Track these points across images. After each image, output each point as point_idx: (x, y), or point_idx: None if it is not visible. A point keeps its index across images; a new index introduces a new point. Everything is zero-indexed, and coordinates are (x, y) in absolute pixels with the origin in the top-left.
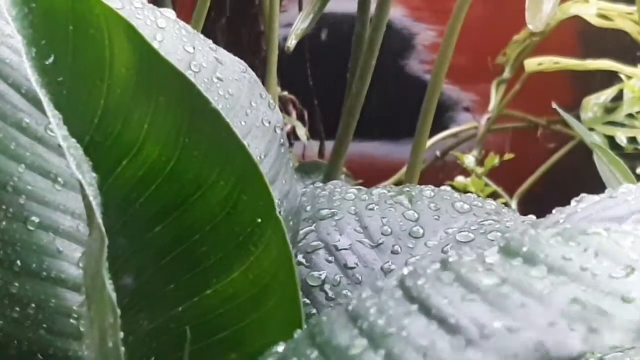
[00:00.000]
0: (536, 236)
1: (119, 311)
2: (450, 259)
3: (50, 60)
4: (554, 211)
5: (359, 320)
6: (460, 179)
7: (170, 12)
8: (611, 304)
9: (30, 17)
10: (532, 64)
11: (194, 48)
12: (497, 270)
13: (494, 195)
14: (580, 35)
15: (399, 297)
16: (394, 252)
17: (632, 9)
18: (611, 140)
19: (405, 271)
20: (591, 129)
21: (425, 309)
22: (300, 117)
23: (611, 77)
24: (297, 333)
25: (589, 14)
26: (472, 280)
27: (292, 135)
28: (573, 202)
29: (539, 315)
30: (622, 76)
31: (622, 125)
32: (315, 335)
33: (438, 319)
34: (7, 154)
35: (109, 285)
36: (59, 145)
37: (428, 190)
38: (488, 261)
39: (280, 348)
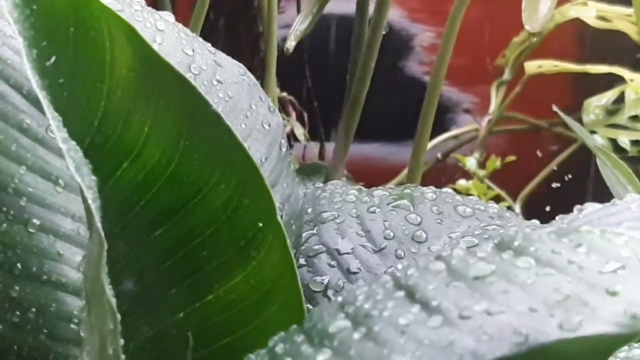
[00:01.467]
0: (530, 233)
1: (119, 317)
2: (444, 253)
3: (51, 61)
4: (557, 218)
5: (347, 306)
6: (462, 182)
7: (169, 15)
8: (595, 296)
9: (32, 19)
10: (533, 66)
11: (193, 51)
12: (486, 262)
13: (497, 199)
14: (579, 37)
15: (389, 287)
16: (397, 257)
17: (630, 10)
18: (614, 143)
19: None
20: (593, 132)
21: (410, 294)
22: (299, 119)
23: (612, 79)
24: (292, 326)
25: (588, 16)
26: (460, 269)
27: (291, 137)
28: (575, 211)
29: (520, 301)
30: (626, 77)
31: (624, 127)
32: (305, 322)
33: (421, 302)
34: (8, 156)
35: (109, 290)
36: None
37: (430, 192)
38: (479, 255)
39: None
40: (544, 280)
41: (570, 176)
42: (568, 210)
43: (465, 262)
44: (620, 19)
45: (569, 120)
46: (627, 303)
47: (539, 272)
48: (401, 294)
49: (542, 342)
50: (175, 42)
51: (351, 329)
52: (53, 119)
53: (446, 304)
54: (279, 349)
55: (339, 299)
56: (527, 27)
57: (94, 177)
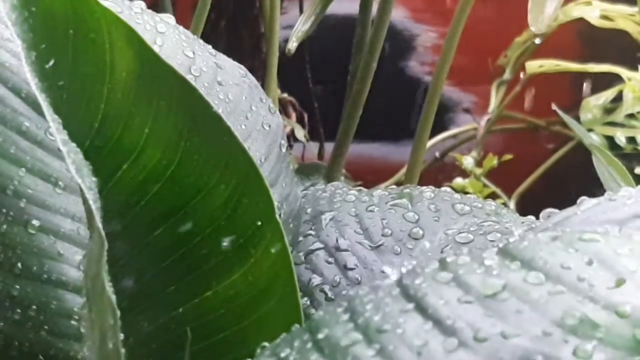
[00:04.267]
0: (535, 240)
1: (119, 313)
2: (449, 259)
3: (51, 64)
4: (545, 211)
5: (355, 315)
6: (458, 181)
7: (169, 17)
8: (606, 319)
9: (30, 21)
10: (534, 66)
11: (193, 53)
12: (494, 274)
13: (492, 196)
14: (580, 37)
15: (396, 295)
16: (394, 253)
17: (633, 10)
18: (610, 141)
19: (404, 270)
20: (590, 130)
21: (422, 309)
22: (300, 119)
23: (611, 79)
24: (295, 327)
25: (592, 16)
26: (469, 281)
27: (291, 137)
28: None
29: (533, 324)
30: (624, 77)
31: (621, 125)
32: (312, 328)
33: (434, 319)
34: (7, 158)
35: (109, 287)
36: (59, 149)
37: (428, 191)
38: (486, 263)
39: (277, 341)
40: (556, 299)
41: (566, 174)
42: (564, 207)
43: (473, 272)
44: (624, 19)
45: (566, 118)
46: (635, 326)
47: (551, 291)
48: (411, 306)
49: None
50: (176, 44)
51: (364, 344)
52: (53, 121)
53: (460, 323)
54: (285, 355)
55: (346, 304)
56: (532, 28)
57: (94, 179)
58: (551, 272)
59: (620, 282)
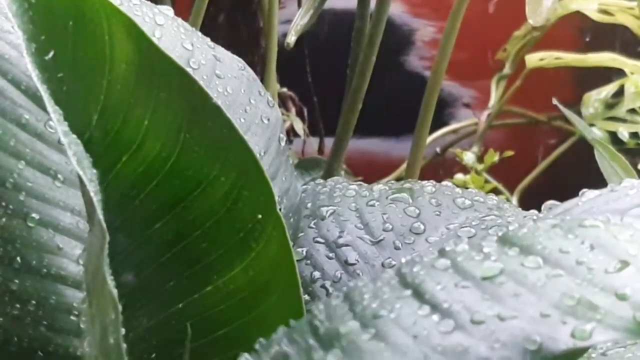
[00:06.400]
0: (534, 227)
1: (120, 307)
2: (447, 248)
3: (50, 56)
4: (547, 203)
5: (354, 304)
6: (459, 177)
7: (168, 10)
8: (605, 300)
9: (30, 13)
10: (534, 59)
11: (192, 45)
12: (492, 259)
13: (494, 192)
14: (581, 31)
15: (394, 284)
16: (395, 248)
17: (632, 4)
18: (613, 136)
19: (403, 260)
20: (592, 125)
21: (419, 294)
22: (299, 114)
23: (612, 73)
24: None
25: (590, 9)
26: (467, 268)
27: (291, 132)
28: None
29: (531, 306)
30: (626, 71)
31: (623, 120)
32: (311, 319)
33: (430, 304)
34: (6, 151)
35: (110, 281)
36: (59, 142)
37: (429, 185)
38: (485, 250)
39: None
40: (554, 282)
41: (568, 169)
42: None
43: (471, 259)
44: (623, 12)
45: (568, 113)
46: (635, 308)
47: (549, 274)
48: (408, 292)
49: (555, 352)
50: (174, 37)
51: (360, 329)
52: (54, 112)
53: (456, 306)
54: (285, 344)
55: (344, 294)
56: (530, 20)
57: (94, 171)
58: (550, 256)
59: (620, 266)
